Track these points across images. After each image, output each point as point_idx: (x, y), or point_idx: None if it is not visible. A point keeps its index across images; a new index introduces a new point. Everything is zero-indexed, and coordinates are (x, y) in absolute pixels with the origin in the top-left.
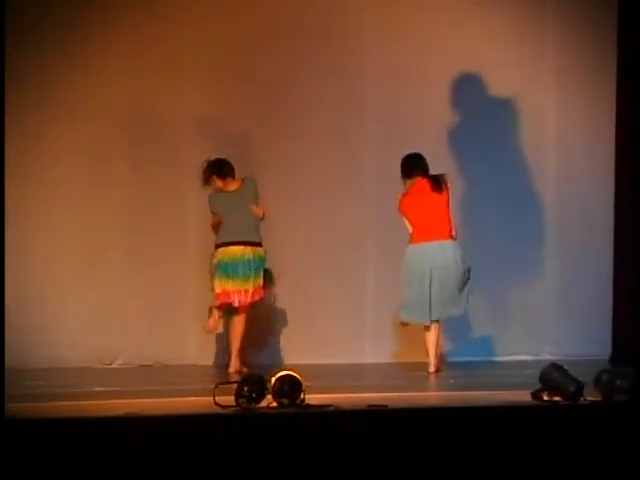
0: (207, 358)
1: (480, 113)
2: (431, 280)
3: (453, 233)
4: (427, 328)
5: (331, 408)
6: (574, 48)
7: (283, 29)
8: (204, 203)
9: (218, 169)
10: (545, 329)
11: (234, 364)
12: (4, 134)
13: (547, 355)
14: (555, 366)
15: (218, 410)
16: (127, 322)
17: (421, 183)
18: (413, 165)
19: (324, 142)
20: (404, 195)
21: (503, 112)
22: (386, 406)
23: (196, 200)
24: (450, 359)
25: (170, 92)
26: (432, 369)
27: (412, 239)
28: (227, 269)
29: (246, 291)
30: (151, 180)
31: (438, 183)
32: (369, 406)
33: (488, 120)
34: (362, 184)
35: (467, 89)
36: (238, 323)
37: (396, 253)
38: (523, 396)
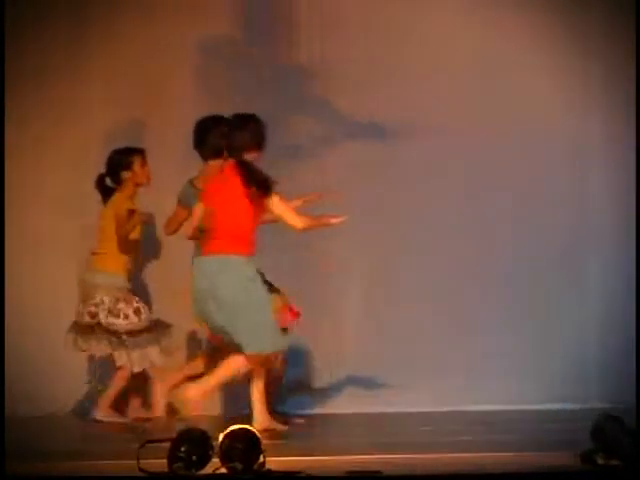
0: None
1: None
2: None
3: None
4: None
5: (301, 475)
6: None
7: None
8: None
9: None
10: (594, 368)
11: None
12: (4, 136)
13: (598, 402)
14: (612, 418)
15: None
16: None
17: (229, 167)
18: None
19: None
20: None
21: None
22: (379, 472)
23: None
24: (467, 407)
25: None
26: None
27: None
28: None
29: None
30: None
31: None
32: (349, 472)
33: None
34: None
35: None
36: None
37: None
38: (569, 458)
